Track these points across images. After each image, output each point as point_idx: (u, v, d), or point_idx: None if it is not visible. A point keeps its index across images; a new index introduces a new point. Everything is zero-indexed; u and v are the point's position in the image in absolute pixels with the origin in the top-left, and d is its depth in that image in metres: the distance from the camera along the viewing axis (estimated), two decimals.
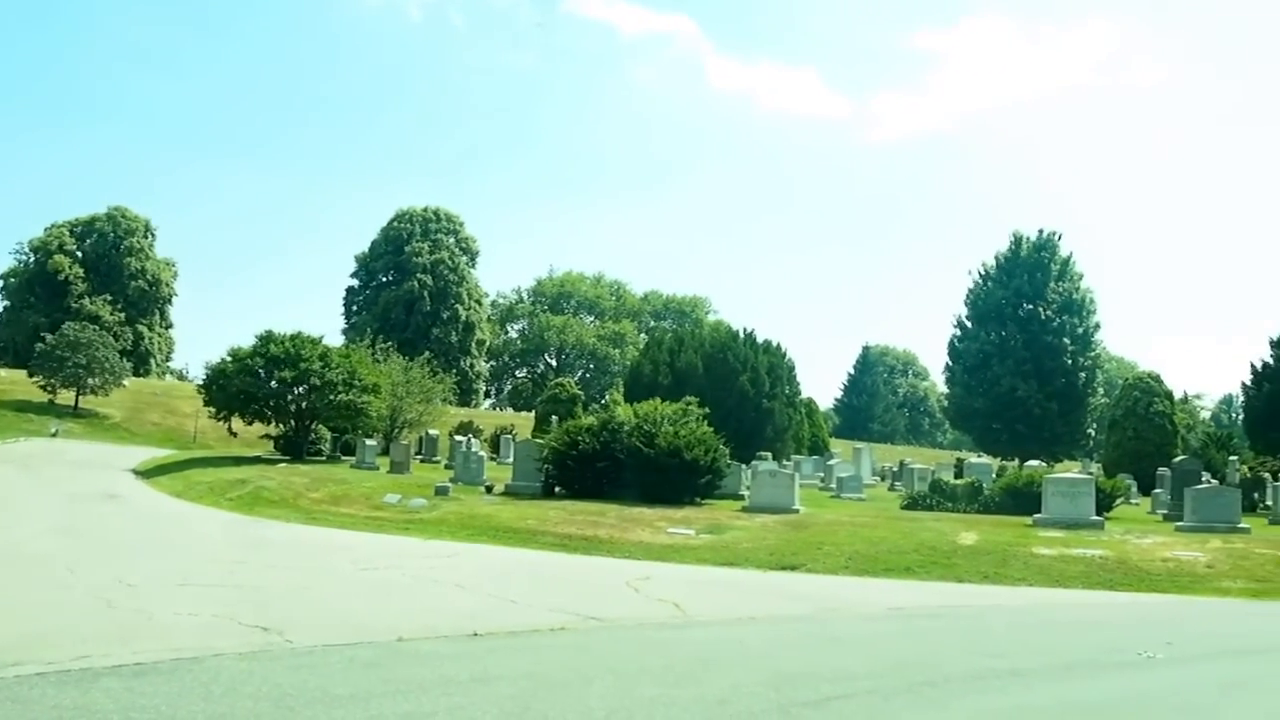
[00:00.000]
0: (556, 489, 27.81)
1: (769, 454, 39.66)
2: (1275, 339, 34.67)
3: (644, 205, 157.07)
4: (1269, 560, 20.07)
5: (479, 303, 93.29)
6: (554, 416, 42.61)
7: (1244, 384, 35.76)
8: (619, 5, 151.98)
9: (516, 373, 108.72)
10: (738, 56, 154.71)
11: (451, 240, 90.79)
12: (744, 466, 32.09)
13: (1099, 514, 24.32)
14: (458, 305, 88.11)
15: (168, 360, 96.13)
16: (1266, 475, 36.09)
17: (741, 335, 44.63)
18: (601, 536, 21.67)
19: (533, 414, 57.72)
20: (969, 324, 59.34)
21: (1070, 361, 57.12)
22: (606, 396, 34.70)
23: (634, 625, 12.69)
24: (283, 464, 35.48)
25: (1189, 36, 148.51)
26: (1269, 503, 30.32)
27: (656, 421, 27.79)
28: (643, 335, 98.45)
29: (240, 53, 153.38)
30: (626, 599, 14.83)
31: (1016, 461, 47.58)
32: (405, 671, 9.15)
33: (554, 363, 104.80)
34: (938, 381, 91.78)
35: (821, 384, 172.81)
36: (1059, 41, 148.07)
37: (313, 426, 39.93)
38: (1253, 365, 34.96)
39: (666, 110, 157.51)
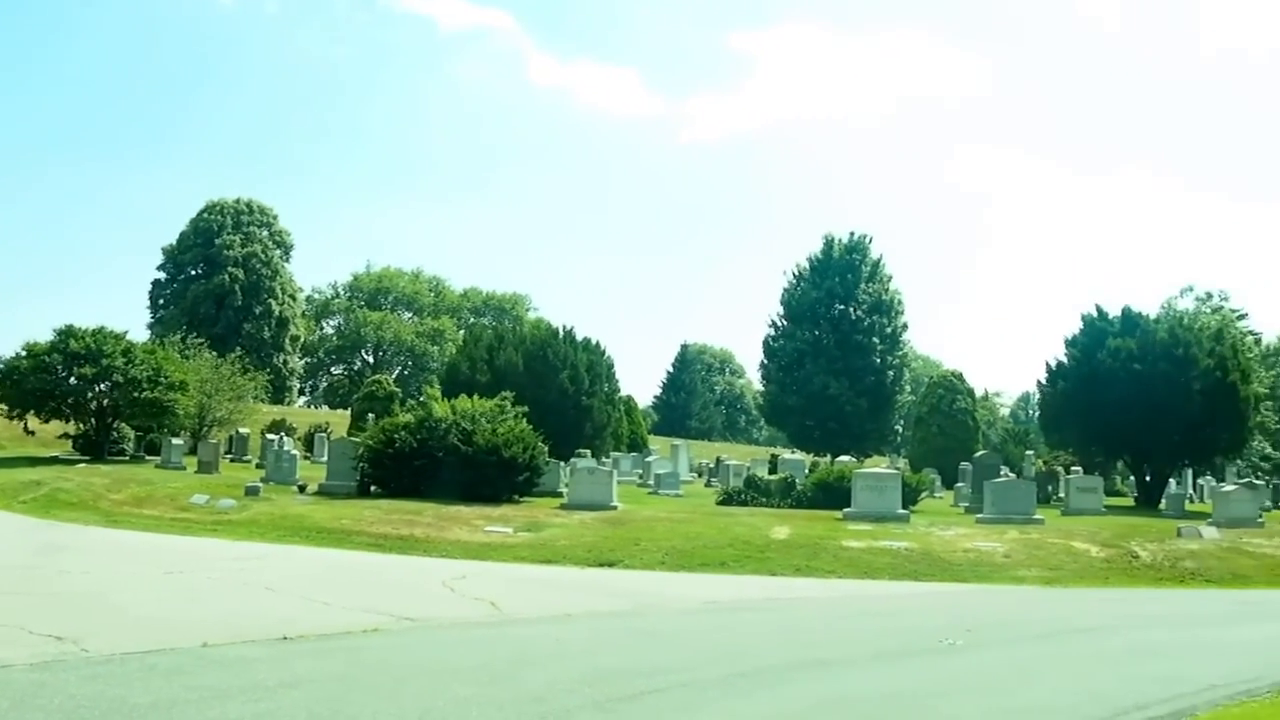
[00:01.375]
0: (372, 488, 27.33)
1: (588, 451, 39.79)
2: (1069, 339, 36.38)
3: (464, 201, 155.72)
4: (1061, 550, 21.16)
5: (293, 298, 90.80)
6: (370, 414, 41.88)
7: (1039, 382, 37.43)
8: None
9: (332, 370, 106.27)
10: (557, 53, 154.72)
11: (265, 233, 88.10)
12: (563, 464, 32.12)
13: (905, 507, 25.18)
14: (271, 300, 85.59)
15: None
16: (1059, 469, 38.04)
17: (561, 333, 44.62)
18: (418, 536, 21.40)
19: (349, 412, 56.58)
20: (783, 323, 60.59)
21: (879, 360, 58.88)
22: (424, 394, 34.19)
23: (449, 625, 12.58)
24: (82, 464, 33.88)
25: (991, 47, 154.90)
26: (1062, 495, 31.91)
27: (474, 419, 27.59)
28: (462, 332, 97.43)
29: (42, 36, 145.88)
30: (442, 598, 14.70)
31: (828, 457, 48.94)
32: (210, 678, 8.86)
33: (371, 360, 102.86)
34: (754, 379, 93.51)
35: (640, 382, 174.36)
36: (869, 48, 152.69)
37: (115, 425, 38.27)
38: (1048, 364, 36.63)
39: (486, 106, 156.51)
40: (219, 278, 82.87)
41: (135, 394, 36.18)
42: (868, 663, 10.94)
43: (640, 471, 40.19)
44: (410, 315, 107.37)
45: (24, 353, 36.89)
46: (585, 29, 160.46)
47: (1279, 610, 17.16)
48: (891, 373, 59.91)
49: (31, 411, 37.43)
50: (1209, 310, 63.28)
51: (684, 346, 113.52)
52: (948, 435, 45.94)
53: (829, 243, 61.15)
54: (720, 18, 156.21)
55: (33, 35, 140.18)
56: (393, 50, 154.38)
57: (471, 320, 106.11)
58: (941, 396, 47.78)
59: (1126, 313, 36.05)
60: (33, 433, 39.12)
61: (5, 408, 37.47)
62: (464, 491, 25.56)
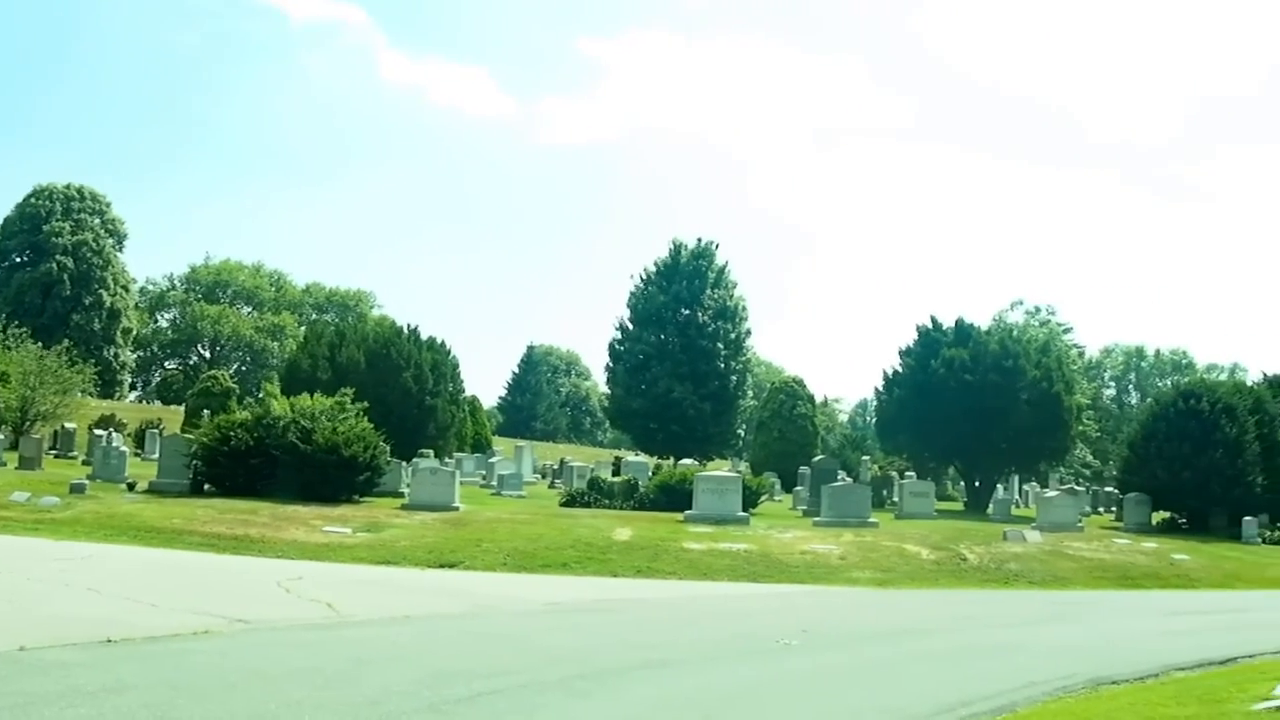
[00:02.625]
0: (207, 487, 26.53)
1: (431, 451, 39.34)
2: (904, 349, 37.55)
3: (311, 196, 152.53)
4: (893, 552, 21.81)
5: (126, 289, 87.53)
6: (206, 411, 40.65)
7: (877, 390, 38.61)
8: None
9: (166, 364, 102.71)
10: (409, 51, 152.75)
11: (97, 221, 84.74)
12: (405, 464, 31.72)
13: (745, 510, 25.60)
14: (102, 290, 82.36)
15: None
16: (894, 474, 39.12)
17: (406, 331, 43.99)
18: (253, 536, 20.87)
19: (183, 408, 54.86)
20: (630, 326, 60.96)
21: (723, 365, 59.68)
22: (263, 391, 33.37)
23: (284, 627, 12.31)
24: None
25: (835, 51, 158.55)
26: (896, 499, 32.83)
27: (314, 417, 27.04)
28: (303, 328, 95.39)
29: None
30: (277, 600, 14.38)
31: (672, 460, 49.36)
32: (26, 684, 8.49)
33: (208, 354, 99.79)
34: (600, 382, 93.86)
35: (486, 382, 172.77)
36: (716, 55, 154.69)
37: None
38: (885, 373, 37.77)
39: (337, 100, 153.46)
40: (46, 266, 79.40)
41: None
42: (705, 664, 11.09)
43: (484, 472, 39.94)
44: (250, 310, 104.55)
45: None
46: (438, 27, 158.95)
47: (1095, 610, 18.00)
48: (735, 378, 60.80)
49: None
50: (1037, 324, 66.08)
51: (530, 348, 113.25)
52: (788, 440, 46.74)
53: (676, 248, 61.76)
54: (571, 22, 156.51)
55: None
56: (241, 40, 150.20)
57: (314, 317, 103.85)
58: (783, 402, 48.60)
59: (959, 324, 37.36)
60: None
61: None
62: (302, 491, 25.04)
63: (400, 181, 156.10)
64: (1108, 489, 42.44)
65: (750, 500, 27.28)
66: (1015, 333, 47.30)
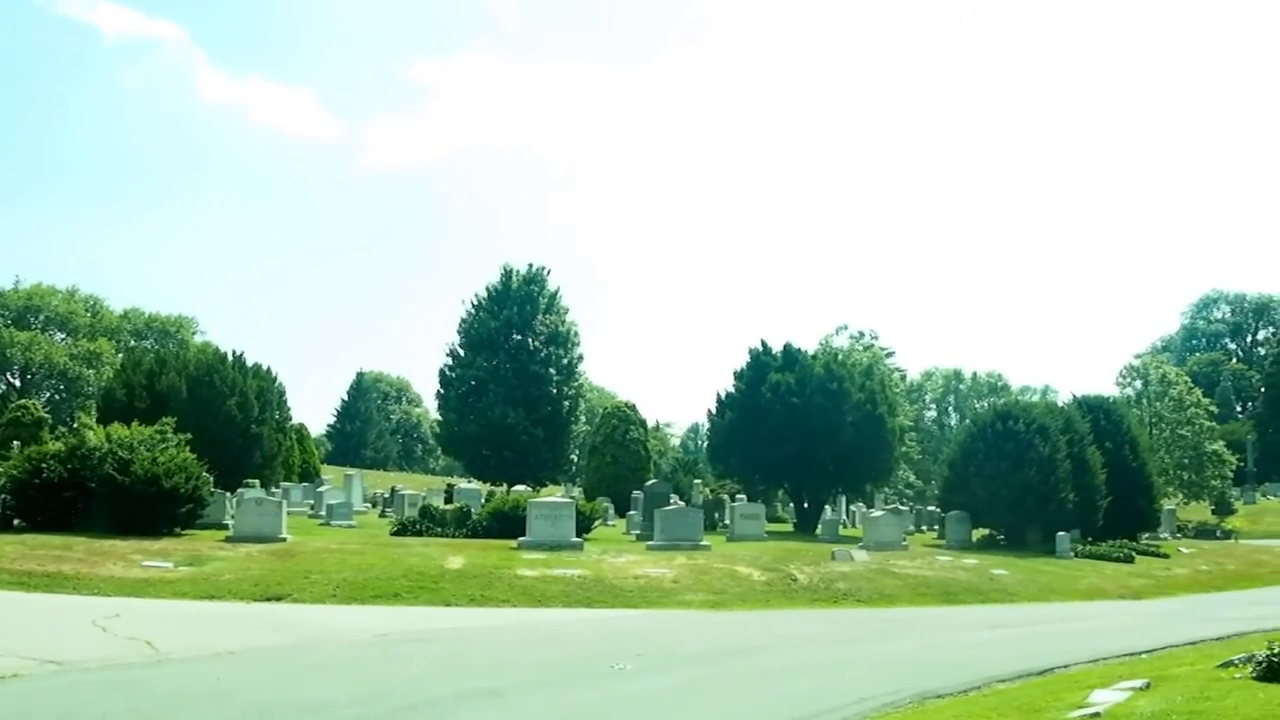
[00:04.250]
0: (16, 521, 25.25)
1: (257, 481, 38.30)
2: (737, 371, 38.18)
3: (127, 216, 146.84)
4: (725, 574, 22.12)
5: None
6: (16, 442, 38.78)
7: (709, 412, 39.08)
8: (101, 6, 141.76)
9: None
10: (229, 69, 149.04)
11: None
12: (229, 494, 30.78)
13: (579, 535, 25.63)
14: None
15: None
16: (725, 496, 39.69)
17: (230, 358, 42.81)
18: (67, 572, 19.93)
19: None
20: (462, 352, 60.49)
21: (556, 390, 59.73)
22: (77, 420, 32.06)
23: (99, 667, 11.81)
24: None
25: (651, 75, 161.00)
26: (727, 522, 33.29)
27: (133, 447, 26.04)
28: (121, 355, 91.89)
29: None
30: (93, 639, 13.77)
31: (505, 486, 49.10)
32: None
33: (18, 383, 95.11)
34: (431, 408, 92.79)
35: (314, 410, 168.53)
36: (543, 78, 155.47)
37: None
38: (718, 395, 38.31)
39: (155, 119, 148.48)
40: None
41: None
42: (539, 690, 11.08)
43: (312, 502, 39.05)
44: (64, 336, 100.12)
45: None
46: (258, 47, 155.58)
47: (920, 626, 18.59)
48: (567, 403, 60.90)
49: None
50: (861, 348, 67.94)
51: (360, 374, 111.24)
52: (621, 464, 47.01)
53: (507, 273, 61.65)
54: (398, 45, 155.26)
55: None
56: (48, 54, 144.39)
57: (132, 343, 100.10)
58: (615, 427, 48.88)
59: (788, 348, 38.20)
60: None
61: None
62: (120, 524, 24.05)
63: (224, 204, 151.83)
64: (930, 508, 43.86)
65: (584, 526, 27.33)
66: (840, 356, 48.65)
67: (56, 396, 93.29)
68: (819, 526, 34.53)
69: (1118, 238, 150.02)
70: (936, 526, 38.17)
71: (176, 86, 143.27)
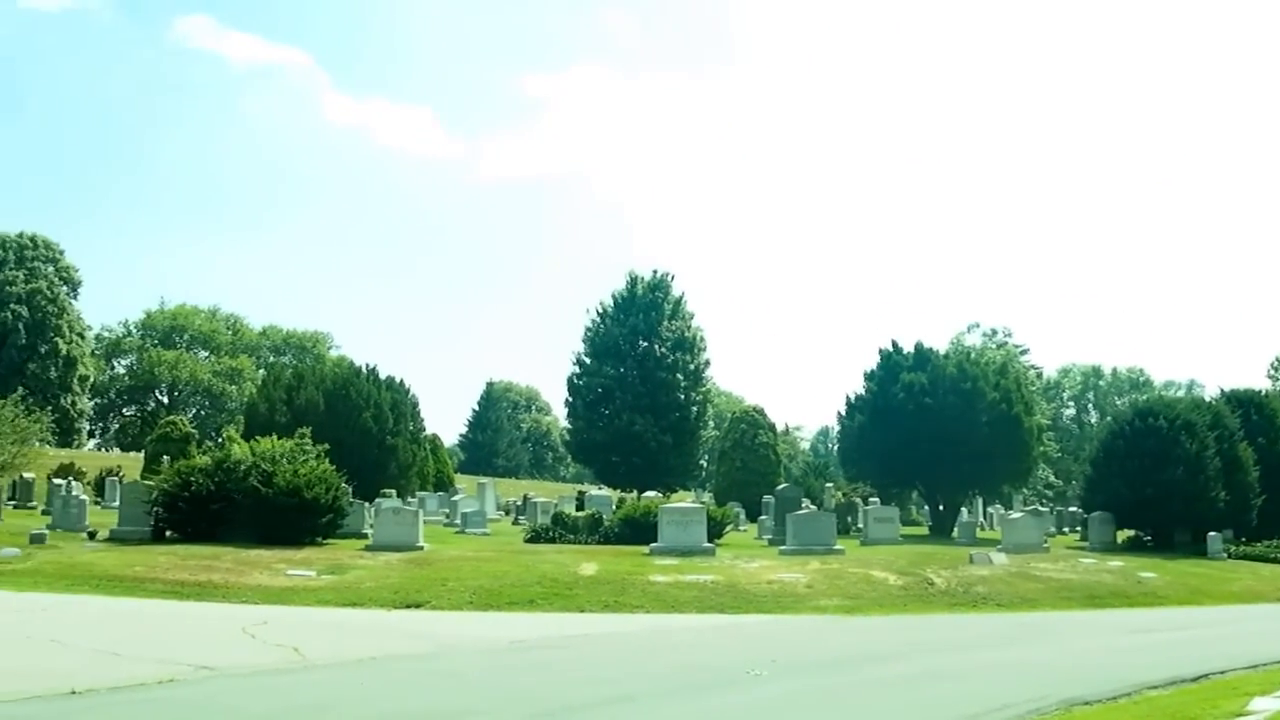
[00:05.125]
0: (168, 533, 26.20)
1: (393, 491, 39.09)
2: (867, 373, 37.69)
3: (262, 238, 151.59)
4: (860, 579, 21.83)
5: (81, 336, 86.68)
6: (165, 456, 40.20)
7: (839, 415, 38.63)
8: (229, 36, 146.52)
9: (124, 410, 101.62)
10: (352, 92, 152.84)
11: (50, 269, 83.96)
12: (367, 504, 31.45)
13: (711, 541, 25.57)
14: (57, 339, 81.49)
15: None
16: (858, 500, 39.20)
17: (364, 371, 43.85)
18: (216, 581, 20.61)
19: (142, 454, 54.21)
20: (588, 360, 60.83)
21: (683, 396, 59.65)
22: (222, 435, 33.08)
23: (249, 673, 12.16)
24: None
25: (764, 89, 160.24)
26: (860, 525, 32.89)
27: (275, 460, 26.80)
28: (261, 371, 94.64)
29: None
30: (242, 645, 14.20)
31: (635, 493, 49.26)
32: None
33: (165, 400, 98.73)
34: (560, 417, 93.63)
35: (446, 420, 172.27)
36: (654, 90, 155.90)
37: None
38: (847, 398, 37.86)
39: (283, 143, 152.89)
40: (1, 316, 78.58)
41: None
42: (673, 696, 11.05)
43: (447, 511, 39.70)
44: (207, 354, 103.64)
45: None
46: (380, 68, 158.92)
47: (1064, 631, 18.08)
48: (695, 408, 60.79)
49: None
50: (994, 346, 66.59)
51: (489, 384, 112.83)
52: (750, 469, 46.82)
53: (632, 280, 61.82)
54: (512, 61, 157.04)
55: None
56: (182, 86, 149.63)
57: (271, 359, 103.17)
58: (744, 431, 48.72)
59: (919, 348, 37.58)
60: None
61: None
62: (264, 535, 24.77)
63: (351, 221, 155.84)
64: (1071, 509, 42.76)
65: (715, 531, 27.26)
66: (973, 355, 47.68)
67: (202, 412, 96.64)
68: (955, 529, 33.89)
69: (1266, 223, 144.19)
70: (1078, 528, 37.18)
71: (302, 110, 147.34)
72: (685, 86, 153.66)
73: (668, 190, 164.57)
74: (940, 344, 41.76)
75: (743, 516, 38.19)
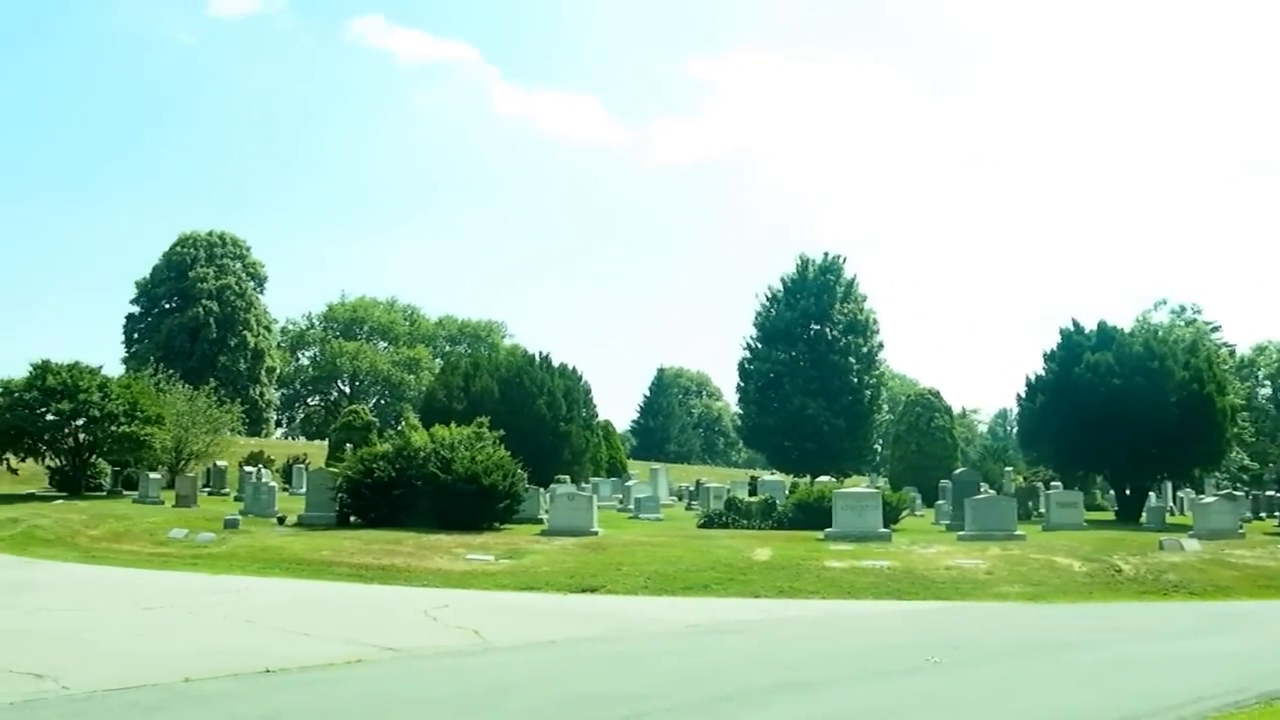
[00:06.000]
0: (352, 518, 27.13)
1: (567, 477, 39.65)
2: (1047, 353, 36.48)
3: (436, 230, 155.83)
4: (1043, 565, 21.17)
5: (268, 329, 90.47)
6: (348, 444, 41.65)
7: (1019, 396, 37.45)
8: (398, 33, 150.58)
9: (309, 400, 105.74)
10: (519, 83, 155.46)
11: (238, 265, 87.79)
12: (542, 490, 31.96)
13: (886, 526, 25.16)
14: (246, 332, 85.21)
15: None
16: (1039, 484, 38.11)
17: (537, 359, 44.57)
18: (399, 565, 21.24)
19: (326, 442, 56.23)
20: (758, 345, 60.59)
21: (856, 380, 58.97)
22: (402, 423, 34.03)
23: (431, 654, 12.47)
24: (59, 500, 33.55)
25: (924, 67, 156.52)
26: (1042, 510, 31.94)
27: (453, 447, 27.44)
28: (438, 360, 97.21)
29: (3, 72, 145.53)
30: (424, 628, 14.59)
31: (808, 478, 48.91)
32: (191, 713, 8.78)
33: (347, 389, 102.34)
34: (730, 402, 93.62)
35: (618, 406, 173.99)
36: (819, 71, 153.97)
37: (92, 461, 37.96)
38: (1027, 378, 36.68)
39: (452, 136, 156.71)
40: (193, 310, 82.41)
41: (112, 429, 35.93)
42: (852, 682, 10.90)
43: (620, 496, 40.06)
44: (385, 344, 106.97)
45: (0, 390, 36.54)
46: (545, 59, 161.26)
47: (1262, 621, 17.20)
48: (869, 392, 60.01)
49: (8, 450, 37.00)
50: (1183, 323, 63.76)
51: (660, 370, 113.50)
52: (926, 453, 46.01)
53: (803, 263, 61.29)
54: (676, 45, 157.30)
55: (2, 74, 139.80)
56: (355, 84, 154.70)
57: (447, 348, 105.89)
58: (919, 415, 47.87)
59: (1102, 327, 36.23)
60: (15, 471, 38.66)
61: None
62: (443, 520, 25.42)
63: (522, 211, 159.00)
64: (1269, 493, 40.70)
65: (890, 516, 26.83)
66: (1160, 333, 45.73)
67: (382, 401, 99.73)
68: (1143, 514, 32.61)
69: None
70: (1276, 513, 35.37)
71: (471, 104, 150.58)
72: (848, 65, 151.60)
73: (837, 171, 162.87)
74: (1123, 322, 40.23)
75: (919, 501, 37.54)
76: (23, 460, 38.08)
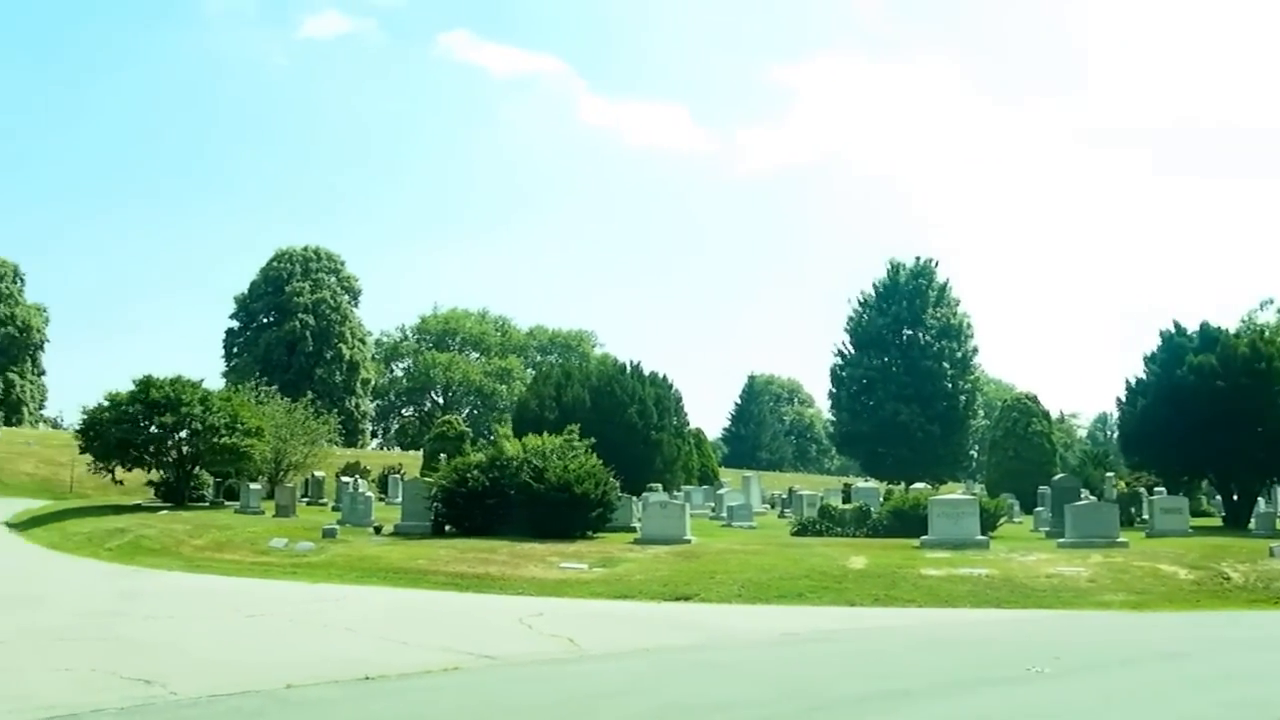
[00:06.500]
0: (446, 528, 27.41)
1: (659, 485, 39.67)
2: (1148, 356, 35.66)
3: (524, 241, 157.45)
4: (1147, 573, 20.64)
5: (363, 342, 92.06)
6: (442, 454, 42.10)
7: (1119, 400, 36.63)
8: (488, 48, 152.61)
9: (403, 411, 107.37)
10: (606, 94, 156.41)
11: (333, 279, 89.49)
12: (634, 498, 32.00)
13: (984, 533, 24.75)
14: (341, 345, 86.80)
15: (41, 408, 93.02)
16: (1142, 490, 37.19)
17: (628, 368, 44.70)
18: (493, 574, 21.40)
19: (420, 452, 57.00)
20: (850, 351, 60.19)
21: (950, 385, 58.28)
22: (494, 432, 34.33)
23: (527, 662, 12.53)
24: (164, 511, 34.41)
25: (1015, 69, 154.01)
26: (1145, 516, 31.19)
27: (545, 456, 27.60)
28: (529, 370, 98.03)
29: (108, 96, 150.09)
30: (519, 636, 14.67)
31: (902, 484, 48.37)
32: (293, 719, 8.91)
33: (441, 400, 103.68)
34: (823, 408, 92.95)
35: (709, 414, 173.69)
36: (901, 75, 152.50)
37: (195, 472, 38.88)
38: (1127, 382, 35.88)
39: (540, 148, 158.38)
40: (290, 324, 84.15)
41: (213, 440, 36.75)
42: (950, 691, 10.71)
43: (712, 504, 39.97)
44: (478, 355, 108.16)
45: (106, 403, 37.62)
46: (631, 69, 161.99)
47: None
48: (963, 397, 59.25)
49: (115, 461, 38.06)
50: None
51: (751, 378, 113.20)
52: (1024, 459, 45.20)
53: (894, 268, 60.74)
54: (760, 52, 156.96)
55: (100, 99, 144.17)
56: (444, 98, 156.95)
57: (538, 358, 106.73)
58: (1016, 420, 47.04)
59: (1205, 328, 35.32)
60: (121, 482, 39.77)
61: (91, 458, 38.15)
62: (536, 529, 25.57)
63: (610, 222, 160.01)
64: None
65: (988, 523, 26.40)
66: (1267, 334, 44.39)
67: (474, 411, 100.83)
68: (1251, 520, 31.64)
69: None
70: None
71: (559, 115, 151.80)
72: (934, 66, 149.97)
73: (927, 174, 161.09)
74: (1225, 322, 39.08)
75: (1016, 508, 36.90)
76: (129, 470, 39.14)
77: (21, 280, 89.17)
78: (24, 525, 33.59)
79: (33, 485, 51.29)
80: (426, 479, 30.99)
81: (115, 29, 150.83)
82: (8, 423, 71.25)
